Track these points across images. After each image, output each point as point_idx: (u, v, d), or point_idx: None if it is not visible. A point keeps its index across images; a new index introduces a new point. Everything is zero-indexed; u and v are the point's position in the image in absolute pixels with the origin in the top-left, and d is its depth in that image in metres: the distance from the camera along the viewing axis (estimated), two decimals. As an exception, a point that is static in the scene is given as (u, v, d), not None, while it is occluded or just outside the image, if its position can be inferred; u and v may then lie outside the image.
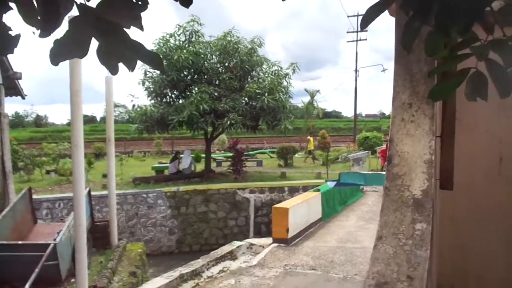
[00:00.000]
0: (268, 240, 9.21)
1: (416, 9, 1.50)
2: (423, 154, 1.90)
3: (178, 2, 1.37)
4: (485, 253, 2.40)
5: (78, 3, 1.17)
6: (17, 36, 1.24)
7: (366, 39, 35.59)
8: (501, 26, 1.46)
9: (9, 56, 10.54)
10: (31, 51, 78.94)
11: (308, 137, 27.67)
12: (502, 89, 1.49)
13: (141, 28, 1.21)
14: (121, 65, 1.30)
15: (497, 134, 2.37)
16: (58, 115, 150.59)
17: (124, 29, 1.21)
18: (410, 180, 1.88)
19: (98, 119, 71.85)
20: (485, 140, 2.39)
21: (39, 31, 1.20)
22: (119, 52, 1.24)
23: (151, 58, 1.36)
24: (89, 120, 69.43)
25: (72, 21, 1.17)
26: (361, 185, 14.89)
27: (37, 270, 6.26)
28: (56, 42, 1.18)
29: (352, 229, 9.92)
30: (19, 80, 11.30)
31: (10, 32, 1.23)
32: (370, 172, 16.76)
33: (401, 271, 1.76)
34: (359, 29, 34.07)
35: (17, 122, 64.75)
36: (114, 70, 1.31)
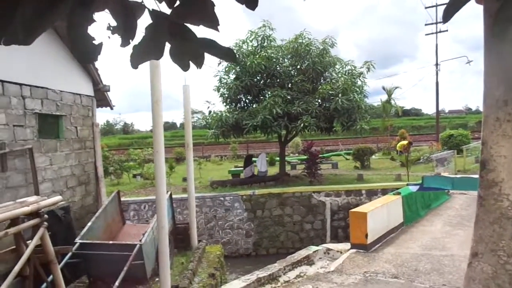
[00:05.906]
0: (346, 245, 8.91)
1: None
2: (524, 158, 1.64)
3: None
4: None
5: (151, 9, 1.23)
6: (100, 45, 1.37)
7: (447, 30, 32.91)
8: None
9: (99, 71, 11.56)
10: (117, 65, 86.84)
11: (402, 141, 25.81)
12: None
13: (217, 28, 1.25)
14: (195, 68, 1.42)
15: None
16: (143, 122, 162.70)
17: (192, 29, 1.27)
18: (509, 188, 1.61)
19: (178, 125, 76.20)
20: None
21: (114, 36, 1.32)
22: (191, 51, 1.32)
23: (225, 53, 1.44)
24: (169, 126, 74.01)
25: (147, 28, 1.26)
26: (447, 189, 13.84)
27: (125, 268, 6.74)
28: (135, 47, 1.29)
29: (438, 235, 9.21)
30: (108, 92, 12.38)
31: (94, 42, 1.35)
32: (459, 176, 15.44)
33: (502, 294, 1.53)
34: (438, 20, 31.69)
35: (108, 129, 71.13)
36: (185, 67, 1.40)
